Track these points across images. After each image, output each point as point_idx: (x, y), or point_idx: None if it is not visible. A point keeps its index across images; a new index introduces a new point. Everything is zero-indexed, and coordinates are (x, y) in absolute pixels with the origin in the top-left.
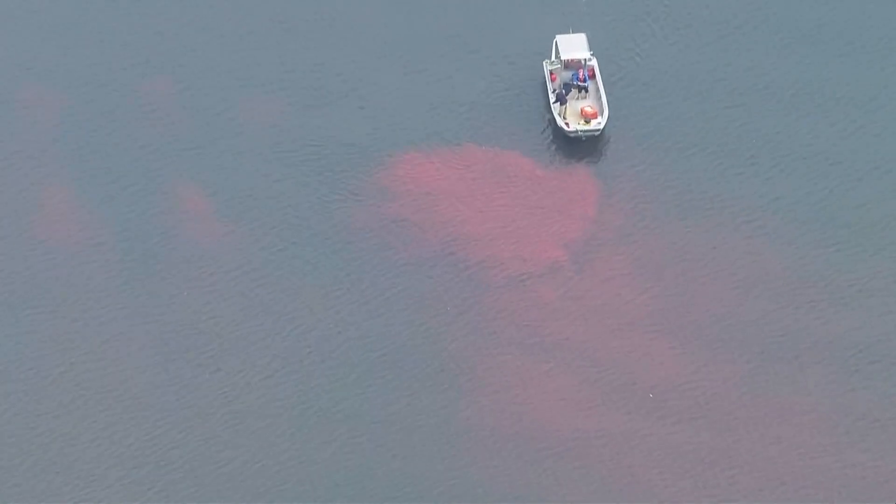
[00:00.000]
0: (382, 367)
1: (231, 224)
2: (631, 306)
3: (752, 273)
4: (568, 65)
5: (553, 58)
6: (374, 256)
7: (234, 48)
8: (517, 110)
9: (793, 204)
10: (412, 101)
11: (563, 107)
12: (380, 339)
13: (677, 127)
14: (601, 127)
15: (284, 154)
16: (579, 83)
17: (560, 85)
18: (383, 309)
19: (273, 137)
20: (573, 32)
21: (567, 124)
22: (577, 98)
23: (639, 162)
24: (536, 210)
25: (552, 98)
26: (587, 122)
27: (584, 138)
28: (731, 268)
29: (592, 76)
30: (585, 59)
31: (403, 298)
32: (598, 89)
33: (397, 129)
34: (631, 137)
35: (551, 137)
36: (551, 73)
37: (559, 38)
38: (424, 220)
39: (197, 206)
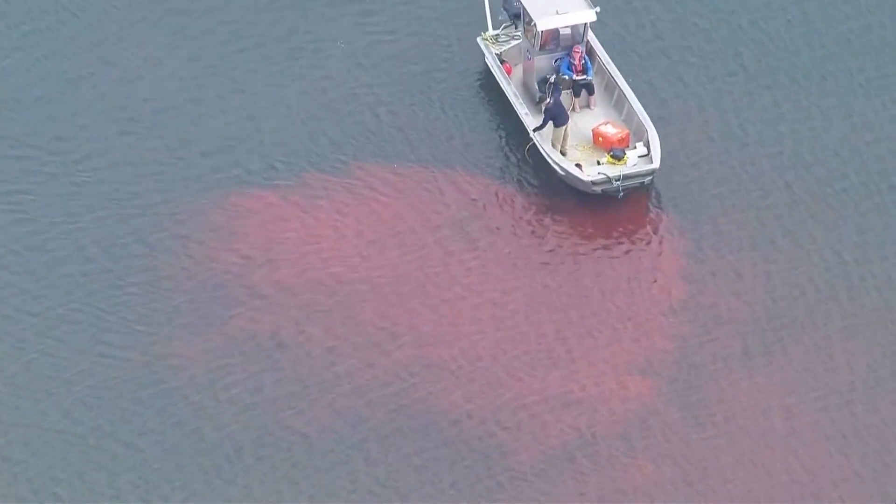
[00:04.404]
0: None
1: None
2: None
3: None
4: (546, 41)
5: (492, 29)
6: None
7: None
8: (446, 130)
9: None
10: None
11: (561, 130)
12: None
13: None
14: (654, 167)
15: None
16: (576, 76)
17: (543, 86)
18: None
19: None
20: None
21: (579, 167)
22: (574, 108)
23: (723, 196)
24: (547, 302)
25: (531, 120)
26: (616, 156)
27: (621, 192)
28: None
29: (591, 57)
30: (584, 26)
31: None
32: (611, 82)
33: (228, 151)
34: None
35: (532, 170)
36: (503, 63)
37: None
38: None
39: None
